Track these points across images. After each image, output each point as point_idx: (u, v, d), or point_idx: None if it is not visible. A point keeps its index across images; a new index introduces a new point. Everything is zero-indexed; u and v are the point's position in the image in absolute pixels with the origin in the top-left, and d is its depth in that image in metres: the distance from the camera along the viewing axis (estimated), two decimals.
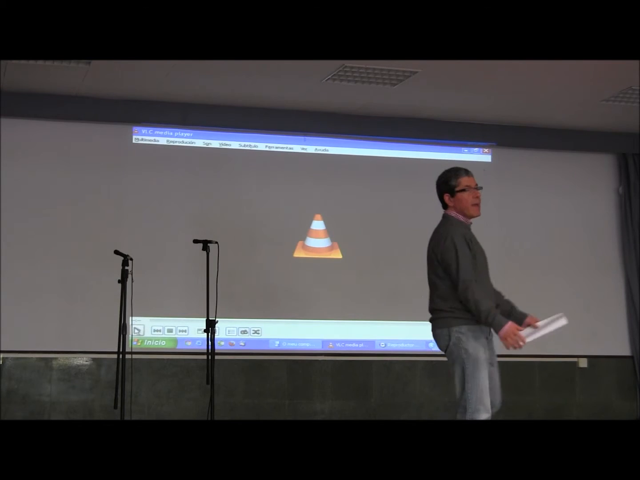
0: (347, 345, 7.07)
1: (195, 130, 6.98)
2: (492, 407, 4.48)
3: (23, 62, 5.79)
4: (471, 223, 4.66)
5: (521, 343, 4.34)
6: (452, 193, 4.59)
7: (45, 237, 6.62)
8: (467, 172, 4.62)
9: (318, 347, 7.04)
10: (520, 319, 4.56)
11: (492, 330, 4.48)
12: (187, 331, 6.80)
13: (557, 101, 6.81)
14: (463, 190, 4.56)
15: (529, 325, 4.52)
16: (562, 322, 4.47)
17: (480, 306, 4.36)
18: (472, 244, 4.54)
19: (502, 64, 5.81)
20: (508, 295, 7.44)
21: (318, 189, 7.19)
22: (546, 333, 4.47)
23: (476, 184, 4.61)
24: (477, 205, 4.59)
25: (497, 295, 4.69)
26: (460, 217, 4.60)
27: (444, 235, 4.53)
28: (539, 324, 4.51)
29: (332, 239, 7.18)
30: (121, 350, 5.28)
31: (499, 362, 4.53)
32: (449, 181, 4.61)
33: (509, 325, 4.34)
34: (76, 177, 6.72)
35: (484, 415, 4.38)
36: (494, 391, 4.54)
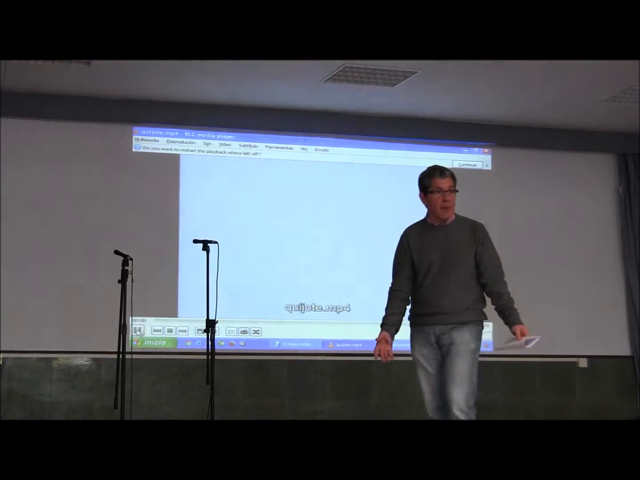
0: (347, 345, 7.07)
1: (196, 130, 6.99)
2: (445, 404, 4.48)
3: (23, 62, 5.79)
4: (444, 224, 4.61)
5: (379, 357, 4.60)
6: (425, 193, 4.60)
7: (45, 236, 6.62)
8: (442, 174, 4.57)
9: (318, 347, 7.05)
10: (510, 326, 4.52)
11: (454, 326, 4.53)
12: (187, 331, 6.81)
13: (557, 101, 6.81)
14: (433, 192, 4.55)
15: (514, 334, 4.47)
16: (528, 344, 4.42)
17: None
18: (412, 249, 4.63)
19: (502, 63, 5.81)
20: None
21: (318, 188, 7.19)
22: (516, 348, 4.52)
23: (450, 187, 4.55)
24: (446, 208, 4.55)
25: (496, 295, 4.63)
26: (430, 218, 4.64)
27: None
28: (515, 343, 4.46)
29: (333, 239, 7.18)
30: (121, 350, 5.28)
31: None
32: (423, 180, 4.62)
33: (379, 336, 4.59)
34: (76, 177, 6.72)
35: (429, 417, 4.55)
36: (445, 388, 4.50)
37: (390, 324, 4.62)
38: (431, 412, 4.52)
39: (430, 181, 4.57)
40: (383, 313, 4.70)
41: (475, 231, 4.63)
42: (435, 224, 4.63)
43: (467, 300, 4.59)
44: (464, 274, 4.59)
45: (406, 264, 4.64)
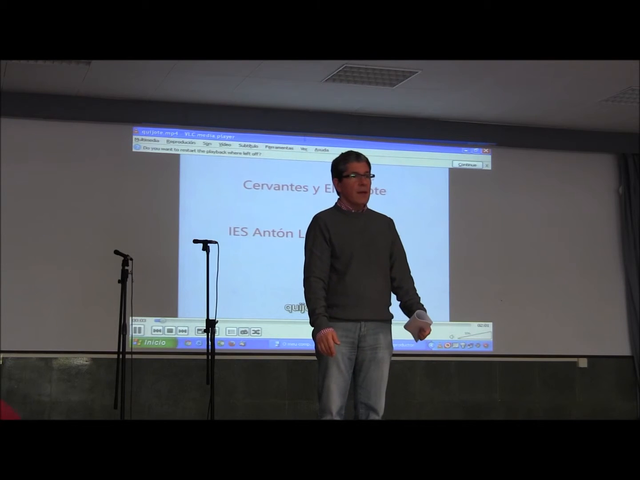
0: None
1: (196, 130, 6.99)
2: (368, 409, 4.36)
3: (23, 62, 5.79)
4: (362, 211, 4.48)
5: (330, 353, 4.20)
6: (340, 178, 4.46)
7: (45, 236, 6.62)
8: (357, 157, 4.44)
9: None
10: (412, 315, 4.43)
11: (377, 325, 4.41)
12: (187, 331, 6.81)
13: (557, 101, 6.81)
14: (349, 176, 4.41)
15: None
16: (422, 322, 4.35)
17: (309, 304, 4.33)
18: (333, 234, 4.37)
19: (502, 63, 5.81)
20: (508, 294, 7.47)
21: (318, 188, 7.19)
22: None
23: (366, 171, 4.43)
24: (363, 192, 4.41)
25: (404, 291, 4.50)
26: (344, 205, 4.48)
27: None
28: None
29: None
30: (121, 350, 5.29)
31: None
32: (337, 165, 4.49)
33: (326, 331, 4.22)
34: (76, 177, 6.72)
35: (327, 417, 4.29)
36: (369, 392, 4.38)
37: (325, 315, 4.28)
38: (336, 413, 4.30)
39: (346, 165, 4.42)
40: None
41: (389, 223, 4.56)
42: (352, 211, 4.46)
43: (387, 293, 4.48)
44: (384, 265, 4.45)
45: (325, 250, 4.36)
